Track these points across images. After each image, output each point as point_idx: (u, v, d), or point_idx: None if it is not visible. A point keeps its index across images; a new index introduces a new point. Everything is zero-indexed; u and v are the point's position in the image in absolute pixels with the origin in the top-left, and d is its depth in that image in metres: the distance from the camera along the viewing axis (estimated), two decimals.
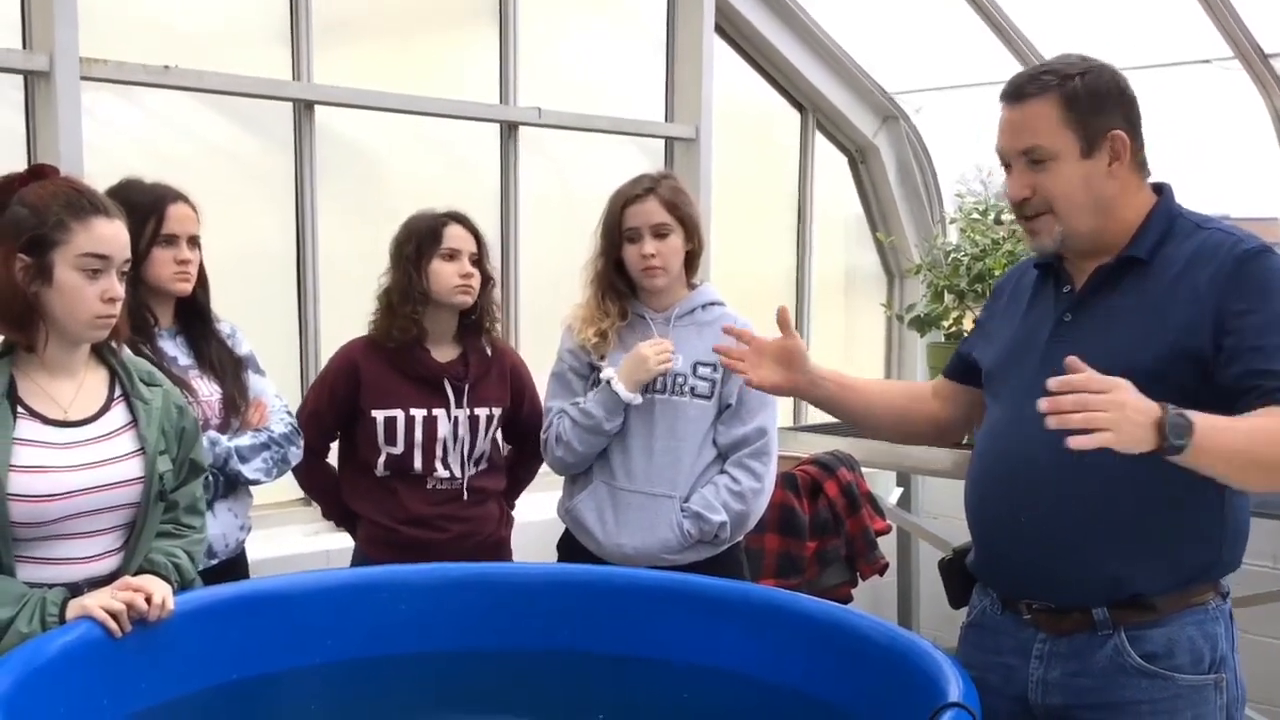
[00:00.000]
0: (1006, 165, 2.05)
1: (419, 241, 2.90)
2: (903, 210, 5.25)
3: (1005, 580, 2.11)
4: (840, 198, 5.27)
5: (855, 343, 5.45)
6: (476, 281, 2.93)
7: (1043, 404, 1.72)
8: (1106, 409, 1.69)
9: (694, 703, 2.35)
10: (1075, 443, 1.69)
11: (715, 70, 4.55)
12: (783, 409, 5.04)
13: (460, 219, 2.95)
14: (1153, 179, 2.08)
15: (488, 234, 3.05)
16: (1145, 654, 1.96)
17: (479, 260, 2.95)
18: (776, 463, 2.94)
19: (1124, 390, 1.73)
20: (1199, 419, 1.75)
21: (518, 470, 3.18)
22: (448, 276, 2.89)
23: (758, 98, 4.95)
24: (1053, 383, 1.72)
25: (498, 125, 4.07)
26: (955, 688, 1.81)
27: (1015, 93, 2.01)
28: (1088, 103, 1.97)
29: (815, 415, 5.09)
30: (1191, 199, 2.05)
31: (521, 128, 4.10)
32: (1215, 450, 1.76)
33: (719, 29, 4.55)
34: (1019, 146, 2.01)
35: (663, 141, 4.52)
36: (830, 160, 5.19)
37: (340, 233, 3.76)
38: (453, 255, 2.90)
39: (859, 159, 5.19)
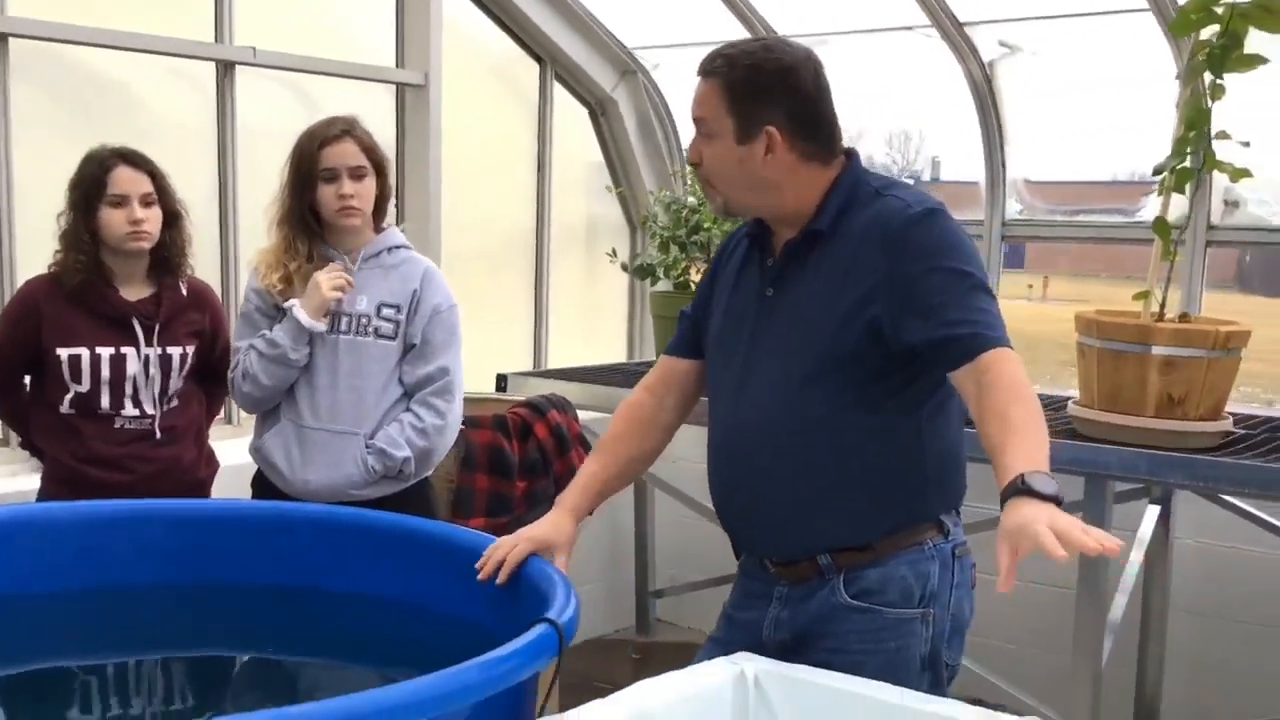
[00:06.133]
0: None
1: (85, 189, 2.88)
2: (643, 163, 5.37)
3: (744, 541, 2.27)
4: (584, 146, 5.35)
5: (597, 291, 5.56)
6: (152, 225, 2.92)
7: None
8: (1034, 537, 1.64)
9: (353, 628, 2.44)
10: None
11: (454, 18, 4.57)
12: (522, 354, 5.15)
13: (129, 158, 2.91)
14: (858, 144, 2.22)
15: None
16: (858, 591, 2.10)
17: (158, 199, 2.93)
18: (462, 401, 3.04)
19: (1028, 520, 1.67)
20: (1027, 460, 1.75)
21: (209, 405, 3.19)
22: (117, 224, 2.88)
23: (497, 48, 4.98)
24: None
25: (213, 64, 4.02)
26: (556, 605, 1.95)
27: (700, 68, 2.10)
28: (744, 94, 2.04)
29: (554, 360, 5.20)
30: (901, 162, 2.18)
31: (240, 68, 4.05)
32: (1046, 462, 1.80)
33: None
34: (692, 116, 2.11)
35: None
36: (572, 111, 5.26)
37: (52, 167, 3.63)
38: (121, 201, 2.88)
39: (599, 111, 5.29)
